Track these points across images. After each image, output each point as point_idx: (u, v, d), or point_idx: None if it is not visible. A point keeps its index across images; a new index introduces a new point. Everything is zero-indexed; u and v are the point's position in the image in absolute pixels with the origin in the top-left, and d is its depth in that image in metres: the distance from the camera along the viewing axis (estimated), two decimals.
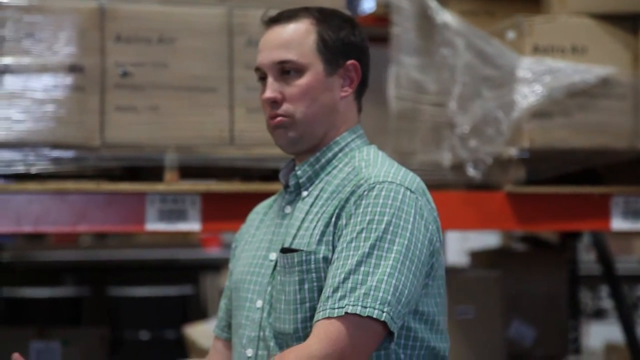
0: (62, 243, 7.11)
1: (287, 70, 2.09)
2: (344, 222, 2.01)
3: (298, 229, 2.08)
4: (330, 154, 2.14)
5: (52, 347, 4.20)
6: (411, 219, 1.99)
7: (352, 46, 2.13)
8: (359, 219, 1.99)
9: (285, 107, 2.09)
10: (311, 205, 2.10)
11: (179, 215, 3.16)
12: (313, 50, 2.09)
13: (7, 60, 3.01)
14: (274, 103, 2.10)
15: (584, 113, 3.36)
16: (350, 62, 2.12)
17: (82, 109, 3.04)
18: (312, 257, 2.03)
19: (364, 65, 2.15)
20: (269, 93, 2.10)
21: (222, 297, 2.34)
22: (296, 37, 2.10)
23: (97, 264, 6.79)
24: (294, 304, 2.04)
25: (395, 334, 1.95)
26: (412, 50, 3.83)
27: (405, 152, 3.81)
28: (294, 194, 2.16)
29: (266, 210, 2.27)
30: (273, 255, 2.12)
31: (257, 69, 2.14)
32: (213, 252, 7.47)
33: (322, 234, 2.04)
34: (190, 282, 6.70)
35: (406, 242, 1.97)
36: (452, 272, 4.28)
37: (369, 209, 1.99)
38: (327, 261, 2.02)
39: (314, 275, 2.03)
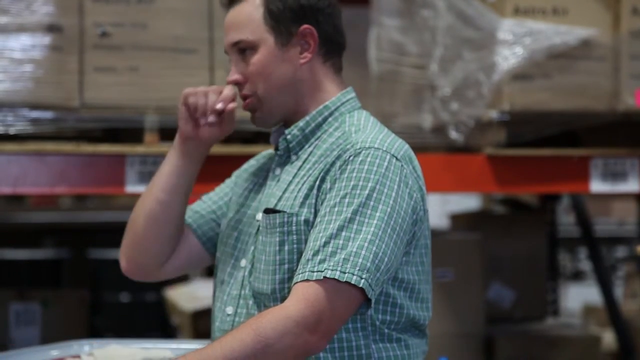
0: (41, 205, 7.08)
1: (243, 50, 2.12)
2: (328, 186, 2.02)
3: (284, 191, 2.09)
4: (320, 119, 2.14)
5: (31, 309, 4.19)
6: (395, 187, 2.00)
7: (303, 10, 2.10)
8: (343, 183, 1.99)
9: (249, 86, 2.13)
10: (299, 169, 2.11)
11: None
12: (261, 25, 2.10)
13: None
14: (238, 84, 2.13)
15: (564, 75, 3.36)
16: (303, 27, 2.10)
17: (60, 70, 3.01)
18: (294, 219, 2.04)
19: (323, 24, 2.12)
20: (230, 76, 2.14)
21: (213, 193, 2.32)
22: (245, 16, 2.11)
23: (76, 226, 6.77)
24: (273, 265, 2.04)
25: (373, 301, 1.96)
26: (393, 12, 3.82)
27: (386, 115, 3.80)
28: (284, 157, 2.17)
29: (266, 161, 2.27)
30: (259, 216, 2.13)
31: (226, 52, 2.17)
32: None
33: (306, 196, 2.04)
34: None
35: (389, 209, 1.97)
36: (432, 235, 4.28)
37: (354, 175, 1.99)
38: (308, 224, 2.03)
39: (294, 237, 2.04)
